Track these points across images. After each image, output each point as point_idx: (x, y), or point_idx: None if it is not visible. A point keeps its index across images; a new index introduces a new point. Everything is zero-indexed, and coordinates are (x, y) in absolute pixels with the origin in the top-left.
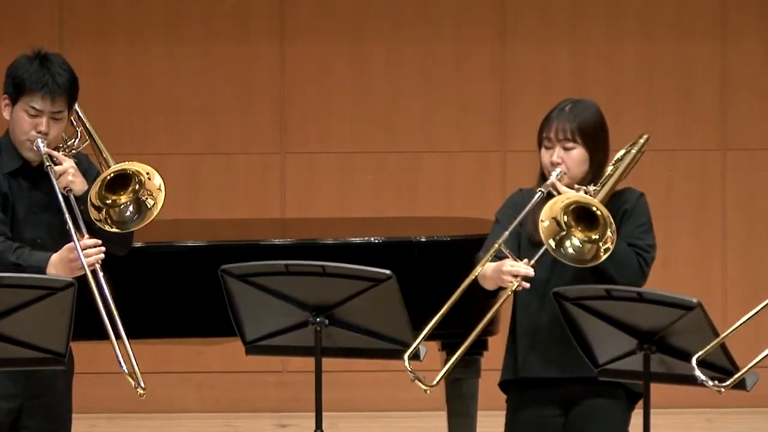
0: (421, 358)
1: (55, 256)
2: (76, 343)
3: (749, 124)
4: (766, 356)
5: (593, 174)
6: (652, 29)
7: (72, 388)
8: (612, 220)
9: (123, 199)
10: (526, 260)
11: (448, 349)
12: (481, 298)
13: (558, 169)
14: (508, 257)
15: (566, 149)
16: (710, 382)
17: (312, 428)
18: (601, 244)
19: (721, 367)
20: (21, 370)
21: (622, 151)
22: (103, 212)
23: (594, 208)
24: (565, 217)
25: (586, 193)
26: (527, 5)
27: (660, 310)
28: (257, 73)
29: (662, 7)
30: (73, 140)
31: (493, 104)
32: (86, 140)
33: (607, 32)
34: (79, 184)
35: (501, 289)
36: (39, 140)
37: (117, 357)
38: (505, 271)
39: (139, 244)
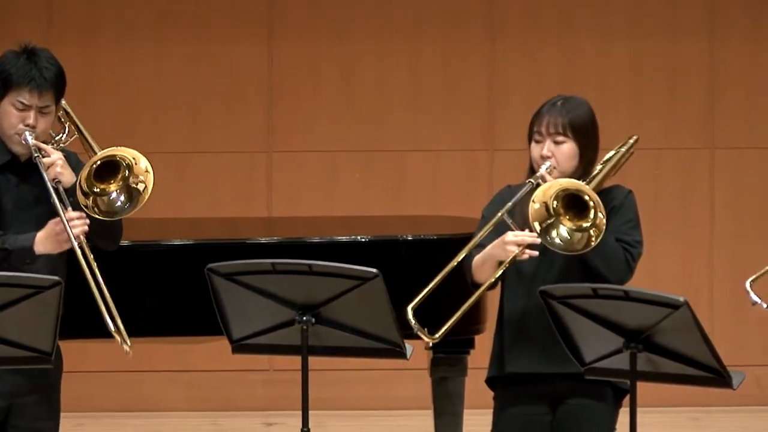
0: (408, 357)
1: (40, 233)
2: (63, 342)
3: (737, 122)
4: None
5: (582, 170)
6: (639, 28)
7: (61, 387)
8: (602, 206)
9: (112, 187)
10: (528, 229)
11: (437, 348)
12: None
13: (548, 163)
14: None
15: (557, 143)
16: (765, 304)
17: (299, 427)
18: (592, 231)
19: (708, 365)
20: (9, 368)
21: (612, 152)
22: (91, 199)
23: (586, 196)
24: (555, 203)
25: None
26: (515, 5)
27: (647, 309)
28: (244, 73)
29: (650, 6)
30: (61, 135)
31: (480, 103)
32: (74, 134)
33: (595, 31)
34: (67, 176)
35: (495, 284)
36: (27, 133)
37: (104, 317)
38: (508, 241)
39: (125, 243)
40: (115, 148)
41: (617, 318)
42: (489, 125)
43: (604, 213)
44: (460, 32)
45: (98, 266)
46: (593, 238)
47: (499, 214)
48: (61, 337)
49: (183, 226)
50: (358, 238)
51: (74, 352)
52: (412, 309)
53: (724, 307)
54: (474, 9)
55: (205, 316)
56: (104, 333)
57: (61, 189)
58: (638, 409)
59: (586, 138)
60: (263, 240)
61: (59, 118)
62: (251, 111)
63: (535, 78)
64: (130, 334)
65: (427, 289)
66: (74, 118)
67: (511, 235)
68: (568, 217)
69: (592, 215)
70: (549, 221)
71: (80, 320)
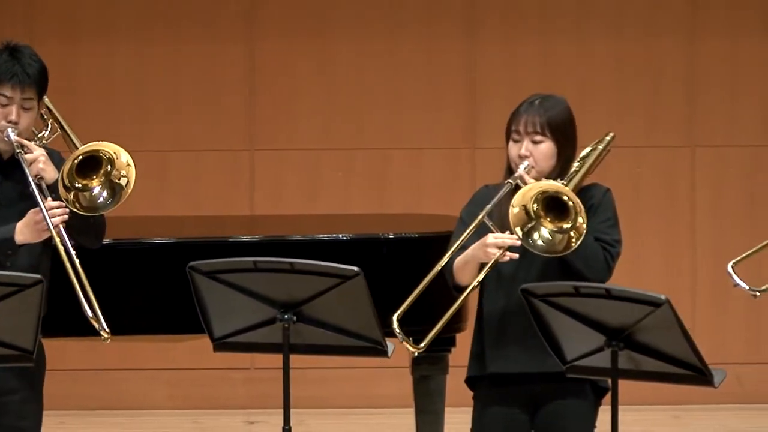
0: (389, 355)
1: (20, 223)
2: (45, 340)
3: (717, 120)
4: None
5: (560, 169)
6: (620, 27)
7: (43, 385)
8: (583, 208)
9: (95, 183)
10: (508, 232)
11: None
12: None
13: (526, 162)
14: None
15: (535, 143)
16: (746, 286)
17: (280, 425)
18: (572, 233)
19: (689, 363)
20: None
21: (588, 149)
22: (72, 194)
23: (565, 198)
24: (535, 205)
25: None
26: (496, 3)
27: (628, 307)
28: (226, 71)
29: (631, 5)
30: (44, 132)
31: (461, 101)
32: (57, 131)
33: (575, 30)
34: (50, 172)
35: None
36: (9, 129)
37: (81, 303)
38: (489, 243)
39: (107, 241)
40: (96, 143)
41: (599, 316)
42: (470, 123)
43: (584, 216)
44: (441, 30)
45: (80, 265)
46: (573, 240)
47: (480, 216)
48: (43, 335)
49: (165, 225)
50: (340, 236)
51: (56, 350)
52: (397, 318)
53: (706, 305)
54: (454, 7)
55: (187, 314)
56: (86, 331)
57: (43, 185)
58: (619, 407)
59: (564, 137)
60: (245, 238)
61: (42, 116)
62: (233, 109)
63: (516, 76)
64: (112, 333)
65: (411, 297)
66: (57, 116)
67: (491, 238)
68: (548, 219)
69: (572, 217)
70: (530, 224)
71: (63, 318)
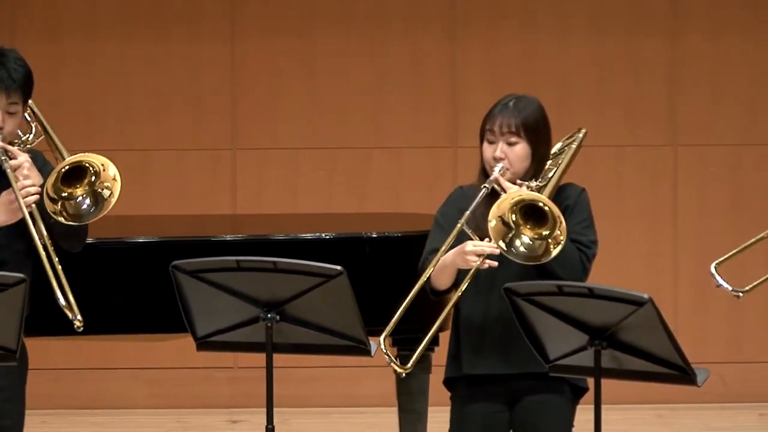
0: (372, 354)
1: None
2: (27, 340)
3: (699, 119)
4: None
5: (535, 169)
6: (601, 26)
7: (26, 385)
8: (561, 216)
9: (79, 191)
10: (487, 239)
11: (400, 346)
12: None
13: (500, 164)
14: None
15: (510, 144)
16: (729, 287)
17: (263, 424)
18: (550, 240)
19: (672, 362)
20: None
21: (559, 145)
22: (59, 205)
23: (542, 204)
24: (513, 215)
25: (529, 188)
26: (478, 3)
27: (611, 306)
28: (208, 71)
29: (612, 4)
30: (28, 136)
31: (444, 101)
32: (41, 135)
33: (557, 29)
34: (34, 178)
35: (453, 288)
36: None
37: (55, 291)
38: (468, 251)
39: (90, 240)
40: (83, 154)
41: (582, 315)
42: (452, 123)
43: (563, 221)
44: (423, 30)
45: (63, 264)
46: (552, 247)
47: (459, 224)
48: (25, 335)
49: (148, 224)
50: (323, 235)
51: (39, 349)
52: (384, 339)
53: (689, 304)
54: (436, 7)
55: (170, 313)
56: (68, 330)
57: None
58: (603, 407)
59: (538, 138)
60: (228, 237)
61: (26, 118)
62: (215, 109)
63: (498, 76)
64: (94, 332)
65: (397, 314)
66: (41, 119)
67: (471, 245)
68: (528, 227)
69: (551, 223)
70: (510, 234)
71: (45, 317)
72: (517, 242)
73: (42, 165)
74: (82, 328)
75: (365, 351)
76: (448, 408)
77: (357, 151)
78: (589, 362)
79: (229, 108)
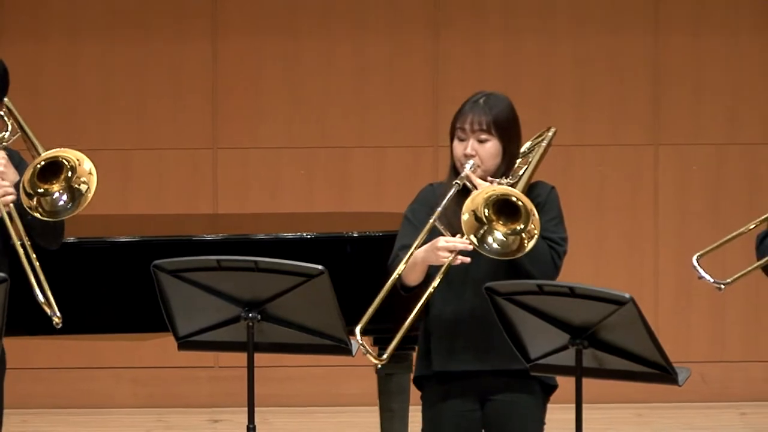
0: (353, 354)
1: None
2: (7, 339)
3: (681, 119)
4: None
5: (505, 167)
6: (584, 25)
7: (4, 384)
8: (534, 209)
9: (55, 187)
10: (459, 235)
11: (380, 344)
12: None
13: (471, 161)
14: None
15: (481, 141)
16: (711, 279)
17: (244, 423)
18: (524, 234)
19: (654, 362)
20: None
21: (528, 144)
22: (35, 200)
23: (515, 199)
24: (486, 210)
25: (500, 185)
26: (460, 2)
27: (592, 306)
28: (189, 70)
29: (594, 3)
30: (4, 134)
31: (425, 100)
32: (17, 133)
33: (539, 28)
34: (10, 175)
35: (423, 284)
36: None
37: (33, 288)
38: (440, 247)
39: (71, 240)
40: (59, 149)
41: (563, 314)
42: (433, 122)
43: (536, 215)
44: (405, 29)
45: (44, 264)
46: (525, 241)
47: (431, 221)
48: (5, 334)
49: (128, 223)
50: (304, 234)
51: (19, 348)
52: (359, 330)
53: (669, 303)
54: (418, 6)
55: (151, 312)
56: (48, 329)
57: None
58: (583, 406)
59: (509, 135)
60: (209, 237)
61: (2, 116)
62: (196, 108)
63: (480, 75)
64: (75, 332)
65: (370, 310)
66: (17, 116)
67: (442, 241)
68: (500, 222)
69: (524, 218)
70: (483, 229)
71: (23, 316)
72: (490, 239)
73: (18, 163)
74: (60, 325)
75: (346, 350)
76: None
77: (338, 151)
78: (570, 361)
79: (210, 107)
